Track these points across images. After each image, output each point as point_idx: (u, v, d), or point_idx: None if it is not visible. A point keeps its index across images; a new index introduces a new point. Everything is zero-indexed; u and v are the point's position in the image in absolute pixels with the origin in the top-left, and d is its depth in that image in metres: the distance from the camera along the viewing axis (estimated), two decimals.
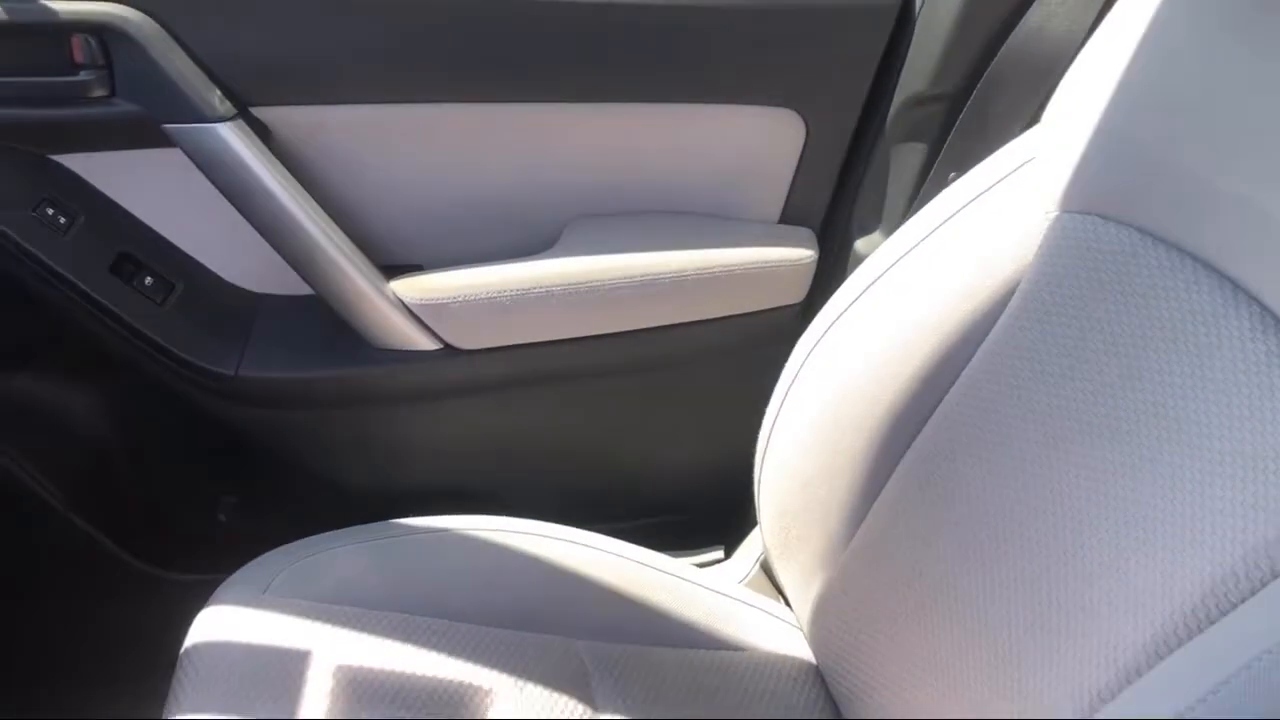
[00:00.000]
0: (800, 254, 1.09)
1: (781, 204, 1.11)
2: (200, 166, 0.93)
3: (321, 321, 1.06)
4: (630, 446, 1.23)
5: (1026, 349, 0.70)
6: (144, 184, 1.02)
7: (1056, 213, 0.70)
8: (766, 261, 1.09)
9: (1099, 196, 0.67)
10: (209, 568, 0.93)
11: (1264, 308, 0.54)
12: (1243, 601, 0.51)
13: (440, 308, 1.03)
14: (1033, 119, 0.77)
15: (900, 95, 0.99)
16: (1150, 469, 0.59)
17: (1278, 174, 0.54)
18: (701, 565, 1.14)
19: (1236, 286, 0.57)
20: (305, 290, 1.05)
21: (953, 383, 0.75)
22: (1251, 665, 0.48)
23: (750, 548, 1.14)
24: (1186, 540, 0.55)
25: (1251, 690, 0.48)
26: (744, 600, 1.01)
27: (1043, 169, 0.73)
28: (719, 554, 1.19)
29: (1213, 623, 0.52)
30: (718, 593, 1.00)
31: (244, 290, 1.11)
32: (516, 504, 1.01)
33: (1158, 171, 0.63)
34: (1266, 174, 0.55)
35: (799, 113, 1.03)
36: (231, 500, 1.19)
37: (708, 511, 1.22)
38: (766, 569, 1.10)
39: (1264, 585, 0.50)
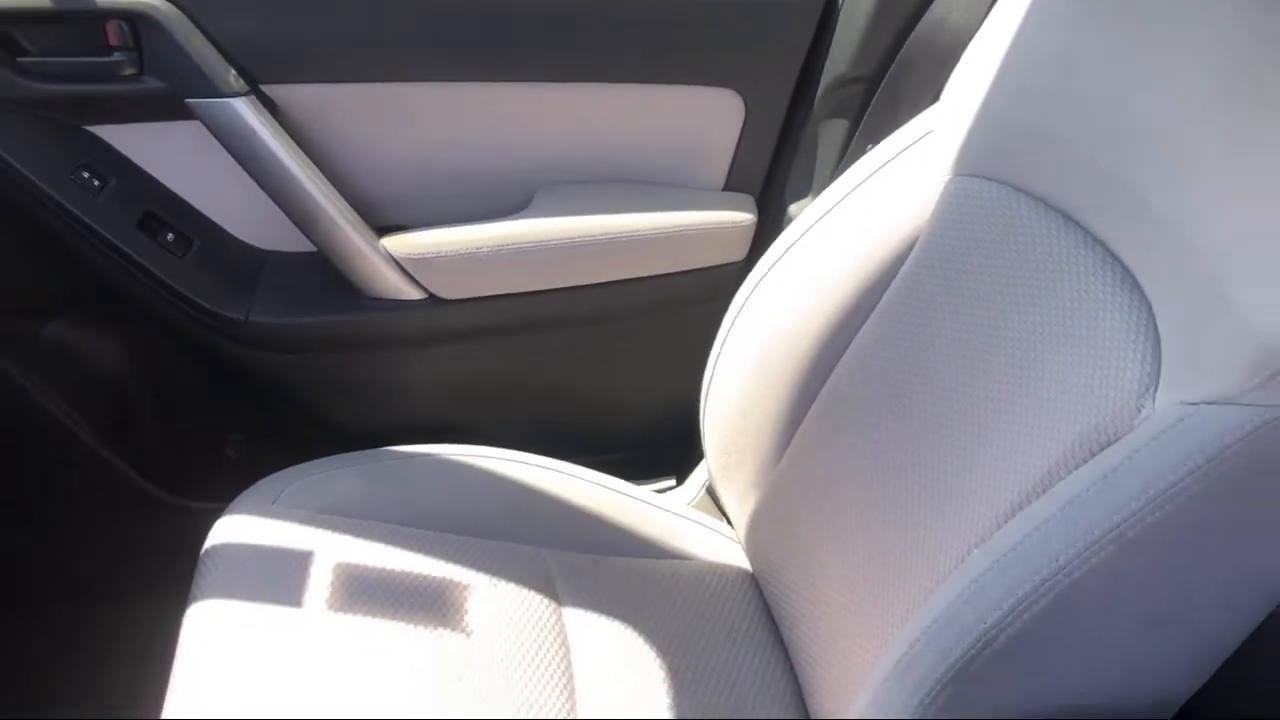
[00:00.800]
0: (741, 217, 1.20)
1: (725, 173, 1.21)
2: (217, 136, 1.03)
3: (321, 274, 1.15)
4: (593, 388, 1.32)
5: (920, 293, 0.82)
6: (167, 152, 1.11)
7: (950, 176, 0.82)
8: (711, 224, 1.19)
9: (983, 161, 0.79)
10: (219, 497, 1.01)
11: (1115, 258, 0.66)
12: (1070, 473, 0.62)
13: (425, 261, 1.13)
14: (935, 98, 0.88)
15: (826, 78, 1.11)
16: (1008, 382, 0.71)
17: (1131, 142, 0.65)
18: (656, 492, 1.24)
19: (1088, 233, 0.69)
20: (307, 248, 1.14)
21: (863, 323, 0.88)
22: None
23: (698, 476, 1.25)
24: (1035, 430, 0.67)
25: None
26: (690, 518, 1.12)
27: (939, 140, 0.85)
28: (671, 482, 1.30)
29: (1047, 490, 0.63)
30: (668, 511, 1.11)
31: (253, 247, 1.20)
32: (492, 438, 1.11)
33: (1033, 138, 0.74)
34: (1120, 142, 0.65)
35: (739, 93, 1.14)
36: (239, 438, 1.30)
37: (661, 446, 1.31)
38: (711, 493, 1.20)
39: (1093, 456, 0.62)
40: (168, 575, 0.99)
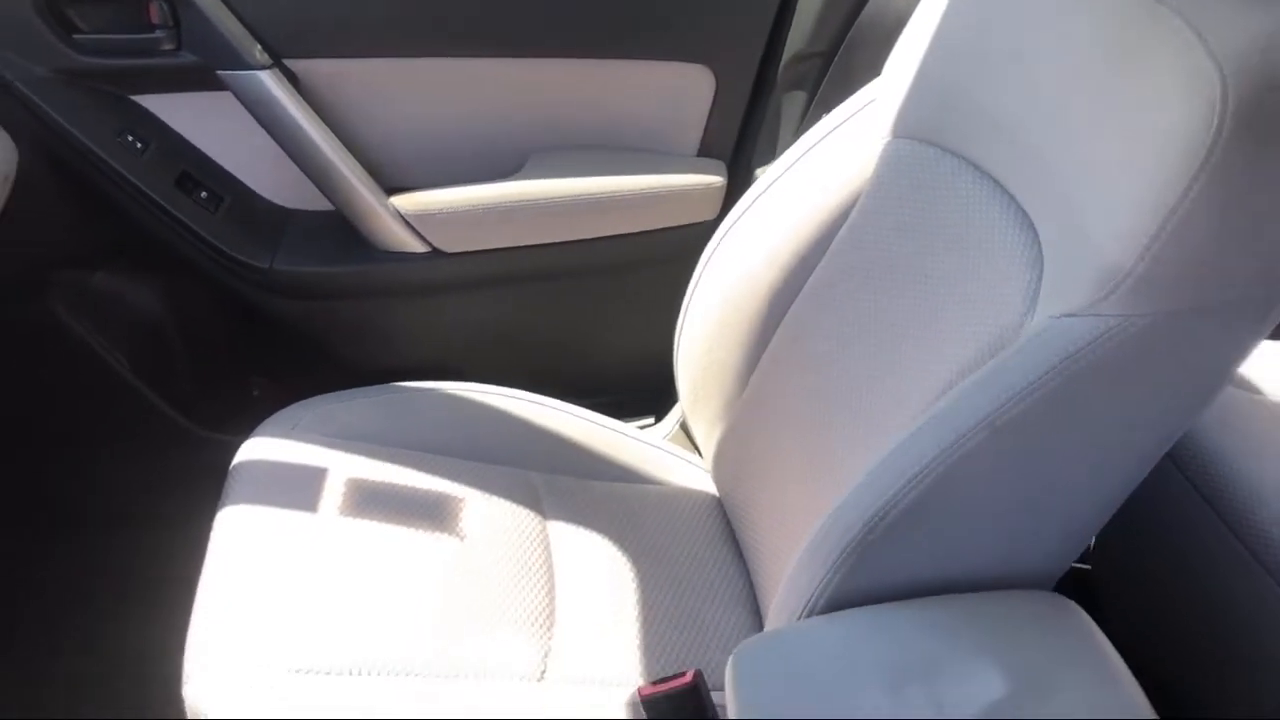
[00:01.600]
0: (712, 180, 1.31)
1: (698, 141, 1.33)
2: (245, 105, 1.16)
3: (337, 229, 1.27)
4: (579, 335, 1.43)
5: (861, 242, 0.94)
6: (201, 119, 1.23)
7: (888, 139, 0.93)
8: (686, 186, 1.31)
9: (915, 125, 0.90)
10: (244, 430, 1.11)
11: (1015, 201, 0.77)
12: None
13: (429, 217, 1.25)
14: (880, 72, 0.99)
15: (787, 54, 1.23)
16: (930, 315, 0.83)
17: (1022, 97, 0.75)
18: (638, 428, 1.34)
19: (996, 183, 0.80)
20: (325, 206, 1.26)
21: (814, 269, 0.99)
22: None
23: (674, 415, 1.36)
24: (946, 349, 0.79)
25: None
26: (665, 450, 1.23)
27: (880, 107, 0.97)
28: (650, 420, 1.41)
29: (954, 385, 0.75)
30: (645, 443, 1.22)
31: (277, 205, 1.32)
32: (489, 379, 1.22)
33: (953, 102, 0.85)
34: (1015, 98, 0.76)
35: (710, 68, 1.26)
36: (262, 378, 1.42)
37: (642, 388, 1.42)
38: (684, 428, 1.31)
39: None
40: (199, 501, 1.09)
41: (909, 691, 0.65)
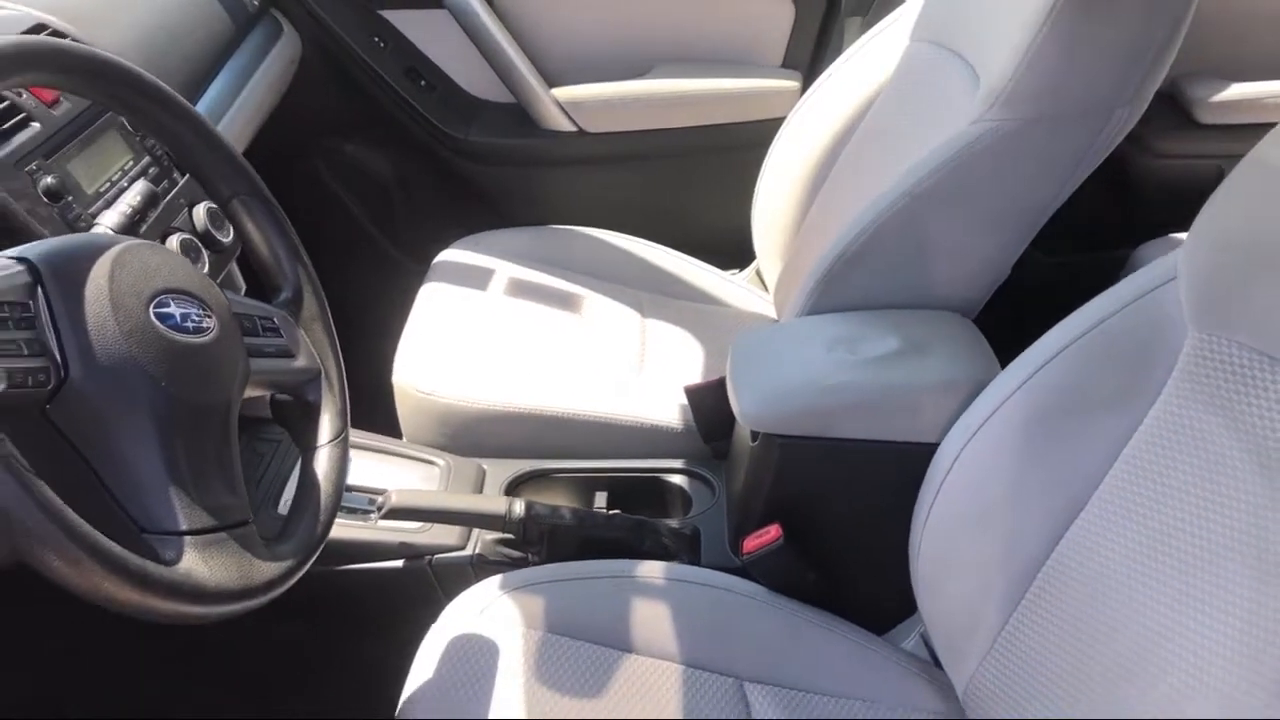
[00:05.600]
0: (791, 84, 1.70)
1: (782, 54, 1.72)
2: (455, 18, 1.62)
3: (512, 113, 1.72)
4: (685, 200, 1.80)
5: (873, 125, 1.31)
6: (424, 28, 1.69)
7: (909, 42, 1.30)
8: (770, 88, 1.70)
9: (923, 28, 1.27)
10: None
11: (971, 68, 1.11)
12: None
13: (579, 105, 1.68)
14: None
15: None
16: (907, 156, 1.22)
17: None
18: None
19: (963, 59, 1.14)
20: (505, 98, 1.71)
21: (848, 143, 1.36)
22: None
23: (752, 266, 1.72)
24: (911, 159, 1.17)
25: None
26: (741, 286, 1.60)
27: (905, 18, 1.34)
28: (736, 270, 1.71)
29: None
30: (727, 280, 1.60)
31: (472, 94, 1.77)
32: (614, 229, 1.61)
33: (954, 9, 1.18)
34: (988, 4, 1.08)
35: (793, 1, 1.66)
36: (456, 229, 1.87)
37: (730, 244, 1.68)
38: (759, 275, 1.68)
39: None
40: (402, 314, 1.46)
41: (838, 349, 1.04)
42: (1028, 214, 1.08)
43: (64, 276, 0.64)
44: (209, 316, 0.71)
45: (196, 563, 0.63)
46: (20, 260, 0.64)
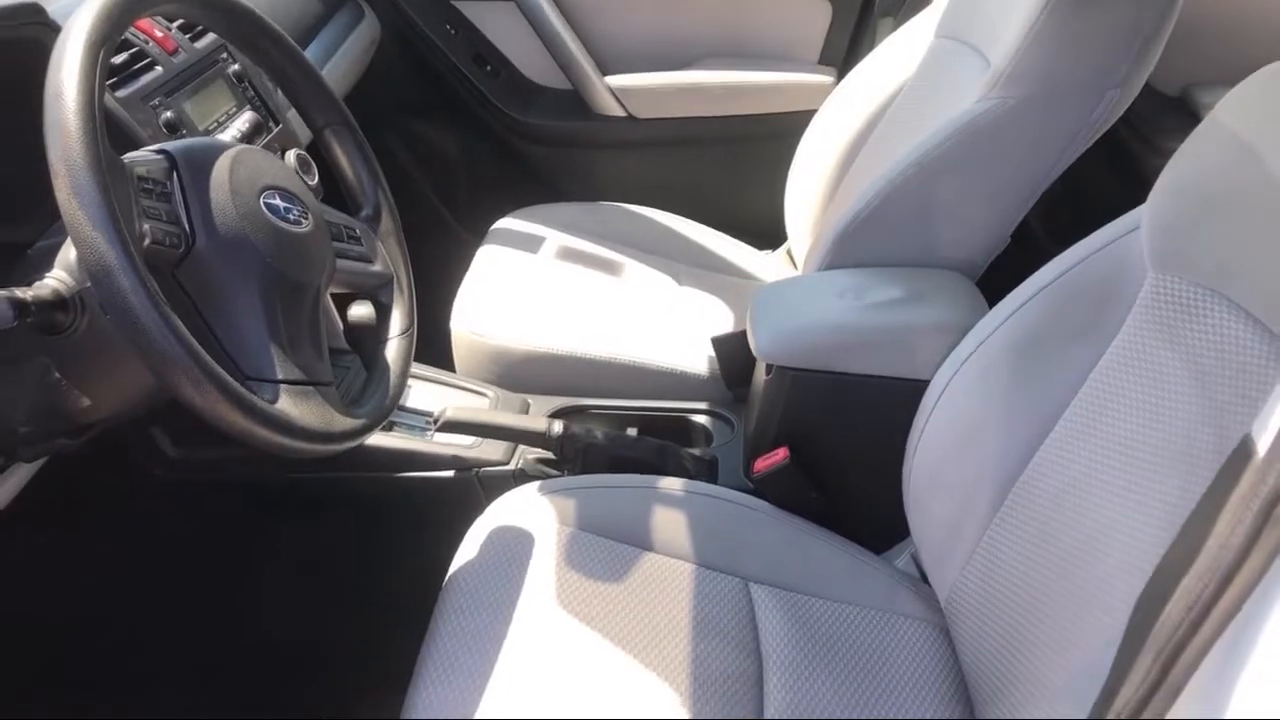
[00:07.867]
0: (825, 79, 1.83)
1: (819, 52, 1.85)
2: (521, 10, 1.77)
3: (568, 99, 1.87)
4: (724, 183, 1.94)
5: (895, 117, 1.42)
6: (491, 18, 1.85)
7: (933, 39, 1.42)
8: (806, 82, 1.83)
9: (945, 25, 1.39)
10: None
11: (984, 57, 1.25)
12: None
13: (630, 92, 1.82)
14: None
15: None
16: (916, 130, 1.35)
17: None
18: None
19: (979, 52, 1.28)
20: (562, 84, 1.86)
21: (874, 129, 1.50)
22: None
23: (784, 246, 1.85)
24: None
25: None
26: (774, 262, 1.74)
27: (932, 14, 1.46)
28: (769, 250, 1.81)
29: None
30: (759, 255, 1.73)
31: (532, 80, 1.92)
32: (657, 208, 1.74)
33: (976, 6, 1.30)
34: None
35: (830, 2, 1.80)
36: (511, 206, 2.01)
37: (764, 225, 1.81)
38: (789, 254, 1.81)
39: None
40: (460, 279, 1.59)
41: (846, 296, 1.17)
42: (1025, 185, 1.19)
43: (194, 166, 0.79)
44: (306, 214, 0.86)
45: (289, 405, 0.76)
46: (160, 152, 0.79)
